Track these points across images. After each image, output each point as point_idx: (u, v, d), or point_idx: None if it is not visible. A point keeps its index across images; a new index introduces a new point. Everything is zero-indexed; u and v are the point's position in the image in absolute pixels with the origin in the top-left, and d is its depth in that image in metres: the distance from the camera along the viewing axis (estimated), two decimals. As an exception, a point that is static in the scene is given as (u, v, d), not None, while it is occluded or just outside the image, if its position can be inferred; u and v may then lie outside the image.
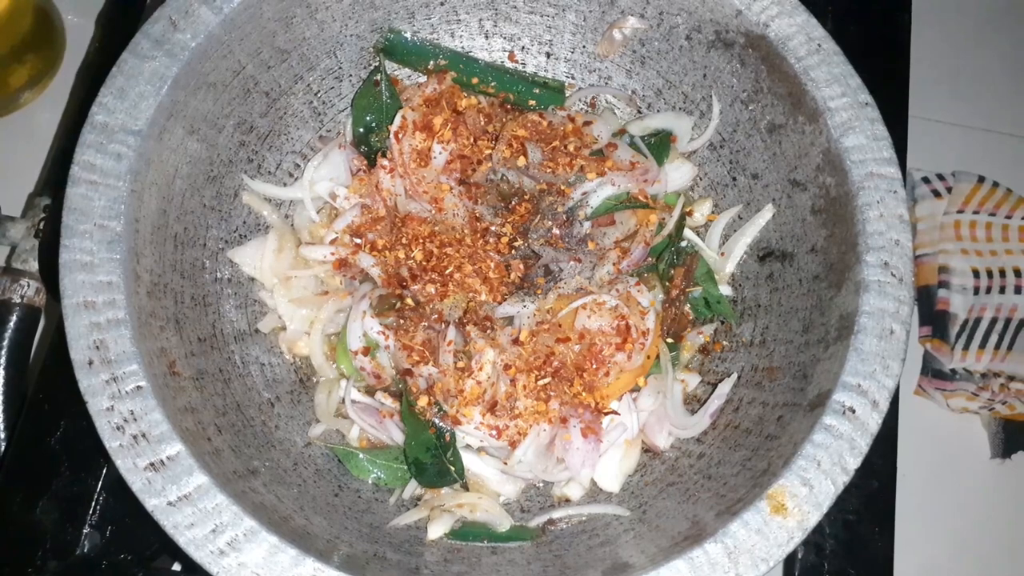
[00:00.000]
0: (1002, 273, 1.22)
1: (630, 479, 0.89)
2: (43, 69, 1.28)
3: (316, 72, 0.97)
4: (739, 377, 0.89)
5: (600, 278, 0.90)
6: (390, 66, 1.01)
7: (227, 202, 0.91)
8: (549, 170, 0.93)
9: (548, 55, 1.03)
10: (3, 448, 1.00)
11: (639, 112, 1.02)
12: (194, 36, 0.82)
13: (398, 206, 0.94)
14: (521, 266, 0.91)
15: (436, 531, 0.82)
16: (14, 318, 1.02)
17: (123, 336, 0.73)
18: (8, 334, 1.01)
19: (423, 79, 1.01)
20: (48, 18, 1.27)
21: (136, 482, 0.69)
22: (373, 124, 0.99)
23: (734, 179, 0.96)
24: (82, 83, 1.27)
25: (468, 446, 0.88)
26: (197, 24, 0.83)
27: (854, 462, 0.73)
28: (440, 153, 0.94)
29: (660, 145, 0.97)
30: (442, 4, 0.99)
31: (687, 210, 0.97)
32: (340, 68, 0.98)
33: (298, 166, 0.98)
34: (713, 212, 0.99)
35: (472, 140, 0.96)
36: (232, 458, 0.76)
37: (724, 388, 0.88)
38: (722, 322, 0.95)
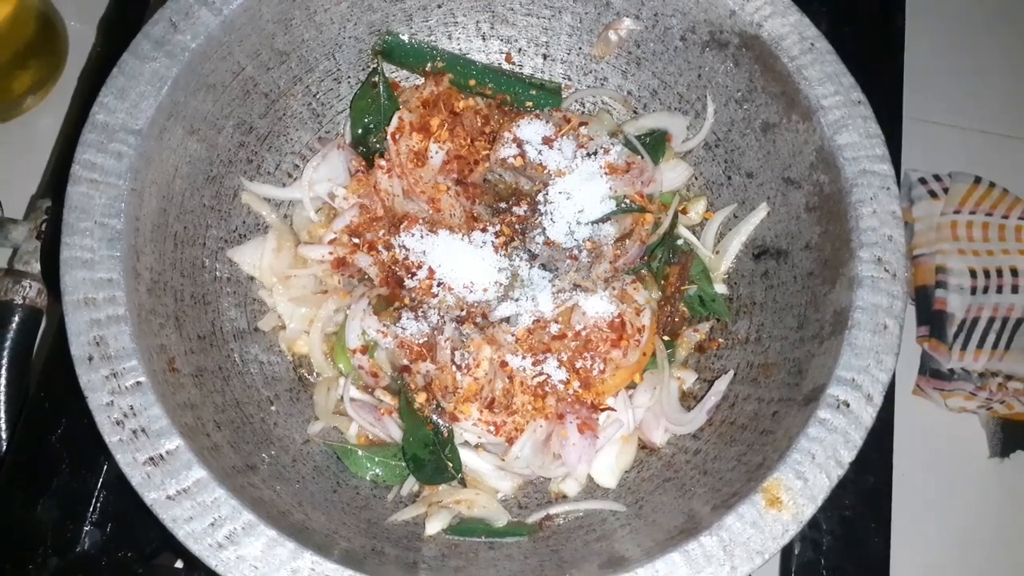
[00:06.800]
0: (999, 273, 1.22)
1: (626, 475, 0.89)
2: (46, 75, 1.29)
3: (315, 74, 0.98)
4: (735, 374, 0.89)
5: (596, 276, 0.91)
6: (388, 68, 1.01)
7: (227, 202, 0.92)
8: (546, 170, 0.94)
9: (545, 57, 1.04)
10: (5, 446, 1.00)
11: (635, 113, 1.02)
12: (194, 37, 0.83)
13: (396, 206, 0.95)
14: (518, 265, 0.92)
15: (434, 527, 0.83)
16: (16, 318, 1.03)
17: (123, 332, 0.73)
18: (10, 334, 1.02)
19: (421, 81, 1.02)
20: (51, 24, 1.28)
21: (135, 476, 0.69)
22: (371, 125, 0.99)
23: (729, 178, 0.97)
24: (84, 88, 1.29)
25: (466, 442, 0.88)
26: (197, 25, 0.84)
27: (848, 455, 0.73)
28: (436, 153, 0.95)
29: (656, 144, 0.98)
30: (439, 7, 1.00)
31: (681, 208, 0.98)
32: (339, 70, 0.99)
33: (297, 167, 0.99)
34: (708, 211, 0.99)
35: (469, 141, 0.97)
36: (231, 454, 0.77)
37: (721, 385, 0.88)
38: (718, 320, 0.95)
